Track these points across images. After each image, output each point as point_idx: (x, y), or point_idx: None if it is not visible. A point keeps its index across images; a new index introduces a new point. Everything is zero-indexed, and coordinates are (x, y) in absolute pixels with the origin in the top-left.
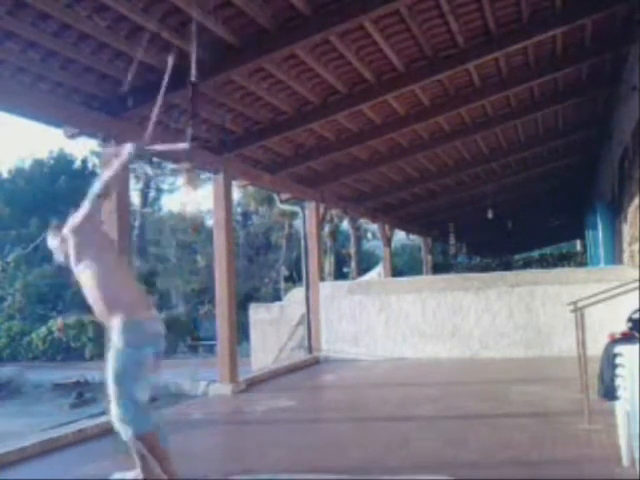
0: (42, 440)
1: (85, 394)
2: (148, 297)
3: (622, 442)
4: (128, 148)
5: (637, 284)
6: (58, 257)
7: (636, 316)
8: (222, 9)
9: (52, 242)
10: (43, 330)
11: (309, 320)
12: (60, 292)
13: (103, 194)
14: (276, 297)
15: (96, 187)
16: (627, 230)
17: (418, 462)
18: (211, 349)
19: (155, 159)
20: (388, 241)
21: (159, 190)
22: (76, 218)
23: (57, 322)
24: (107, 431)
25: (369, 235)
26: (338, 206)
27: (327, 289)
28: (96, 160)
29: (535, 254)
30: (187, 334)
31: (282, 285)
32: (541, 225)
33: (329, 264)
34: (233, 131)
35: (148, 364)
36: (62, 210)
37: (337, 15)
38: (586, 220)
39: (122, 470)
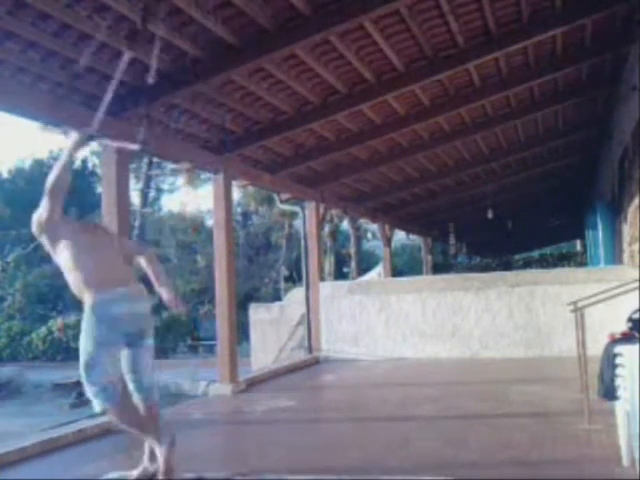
0: (42, 440)
1: (85, 394)
2: (133, 278)
3: (622, 442)
4: (74, 136)
5: (637, 284)
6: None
7: (636, 316)
8: (222, 9)
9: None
10: (43, 330)
11: (309, 320)
12: (60, 292)
13: (57, 185)
14: (276, 297)
15: (49, 180)
16: (627, 230)
17: (418, 462)
18: (211, 349)
19: (155, 159)
20: (388, 241)
21: (159, 190)
22: (38, 215)
23: (57, 322)
24: (107, 431)
25: (369, 235)
26: (338, 206)
27: (327, 289)
28: (96, 160)
29: (535, 254)
30: (187, 334)
31: (282, 285)
32: (541, 225)
33: (329, 264)
34: (233, 131)
35: (118, 342)
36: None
37: (337, 15)
38: (586, 220)
39: (122, 470)
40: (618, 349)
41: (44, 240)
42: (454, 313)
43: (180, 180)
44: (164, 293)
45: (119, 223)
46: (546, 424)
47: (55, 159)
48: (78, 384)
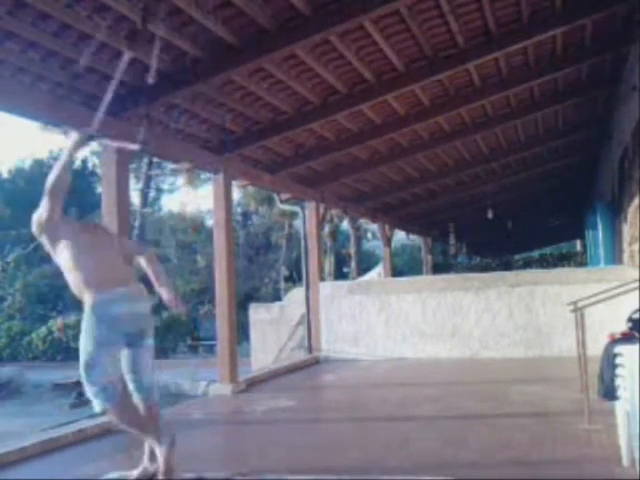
0: (42, 440)
1: (85, 394)
2: (133, 278)
3: (622, 442)
4: (74, 136)
5: (637, 284)
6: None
7: (636, 316)
8: (222, 9)
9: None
10: (43, 330)
11: (309, 320)
12: (60, 292)
13: (57, 185)
14: (276, 297)
15: (50, 180)
16: (627, 230)
17: (418, 462)
18: (211, 349)
19: (155, 159)
20: (388, 241)
21: (159, 190)
22: (38, 215)
23: (57, 322)
24: (107, 431)
25: (369, 235)
26: (338, 206)
27: (327, 289)
28: (96, 160)
29: (535, 254)
30: (187, 334)
31: (282, 285)
32: (541, 225)
33: (329, 264)
34: (233, 131)
35: (118, 342)
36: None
37: (337, 15)
38: (586, 220)
39: (122, 470)
40: (618, 349)
41: (44, 240)
42: (454, 313)
43: (180, 180)
44: (164, 293)
45: (119, 223)
46: (546, 424)
47: (55, 159)
48: (78, 384)
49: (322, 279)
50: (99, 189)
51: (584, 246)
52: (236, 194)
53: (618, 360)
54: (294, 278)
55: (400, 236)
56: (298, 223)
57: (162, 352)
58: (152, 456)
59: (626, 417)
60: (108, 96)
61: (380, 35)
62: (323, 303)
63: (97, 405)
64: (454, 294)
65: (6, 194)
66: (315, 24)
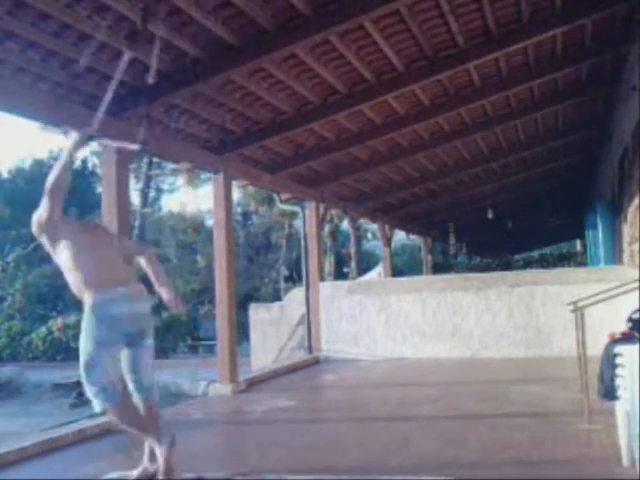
0: (42, 440)
1: (85, 394)
2: (133, 278)
3: (622, 442)
4: (74, 136)
5: (637, 284)
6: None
7: (636, 316)
8: (222, 9)
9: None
10: (43, 330)
11: (309, 320)
12: (60, 292)
13: (57, 185)
14: (276, 297)
15: (50, 180)
16: (627, 230)
17: (418, 462)
18: (211, 349)
19: (155, 159)
20: (388, 241)
21: (159, 190)
22: (38, 215)
23: (57, 322)
24: (107, 431)
25: (369, 235)
26: (338, 206)
27: (327, 289)
28: (96, 160)
29: (535, 254)
30: (187, 334)
31: (282, 285)
32: (541, 225)
33: (329, 264)
34: (233, 131)
35: (118, 342)
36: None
37: (337, 15)
38: (586, 220)
39: (122, 470)
40: (618, 349)
41: (44, 240)
42: (454, 313)
43: (180, 180)
44: (164, 293)
45: (119, 223)
46: (546, 424)
47: (55, 159)
48: (78, 384)
49: (322, 279)
50: (99, 189)
51: (584, 246)
52: (236, 194)
53: (618, 360)
54: (294, 278)
55: (400, 236)
56: (298, 223)
57: (162, 352)
58: (152, 456)
59: (626, 417)
60: (108, 96)
61: (380, 35)
62: (323, 303)
63: (97, 405)
64: (454, 294)
65: (6, 194)
66: (315, 24)
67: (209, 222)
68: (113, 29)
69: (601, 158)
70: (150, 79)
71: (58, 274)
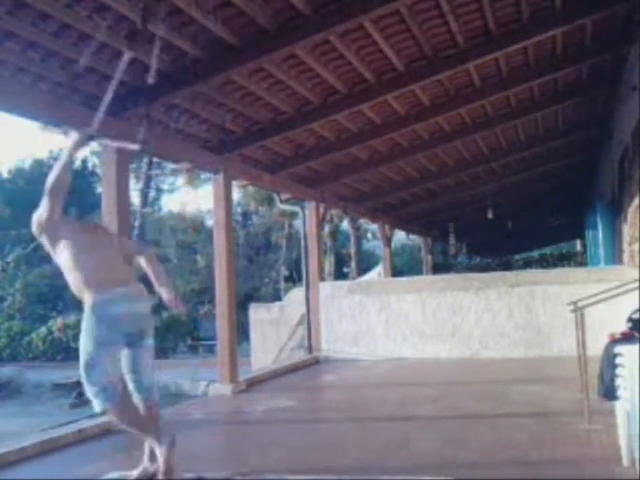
0: (42, 440)
1: (85, 394)
2: (133, 278)
3: (622, 442)
4: (74, 136)
5: (637, 284)
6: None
7: (636, 316)
8: (222, 9)
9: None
10: (43, 330)
11: (309, 320)
12: (60, 292)
13: (57, 185)
14: (276, 297)
15: (50, 180)
16: (627, 230)
17: (418, 462)
18: (211, 349)
19: (155, 159)
20: (388, 241)
21: (159, 190)
22: (38, 215)
23: (57, 322)
24: (107, 431)
25: (369, 235)
26: (338, 206)
27: (327, 289)
28: (96, 160)
29: (535, 254)
30: (187, 334)
31: (282, 285)
32: (541, 225)
33: (329, 264)
34: (233, 131)
35: (118, 342)
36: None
37: (337, 15)
38: (586, 220)
39: (122, 470)
40: (618, 349)
41: (44, 240)
42: (454, 313)
43: (180, 180)
44: (164, 293)
45: (119, 223)
46: (546, 424)
47: (55, 159)
48: (78, 384)
49: (322, 279)
50: (99, 189)
51: (584, 246)
52: (236, 194)
53: (618, 360)
54: (294, 278)
55: (400, 236)
56: (298, 223)
57: (162, 352)
58: (152, 456)
59: (626, 417)
60: (108, 96)
61: (380, 35)
62: (323, 303)
63: (97, 405)
64: (454, 294)
65: (6, 194)
66: (315, 24)
67: (209, 222)
68: (113, 29)
69: (601, 158)
70: (150, 79)
71: (58, 274)
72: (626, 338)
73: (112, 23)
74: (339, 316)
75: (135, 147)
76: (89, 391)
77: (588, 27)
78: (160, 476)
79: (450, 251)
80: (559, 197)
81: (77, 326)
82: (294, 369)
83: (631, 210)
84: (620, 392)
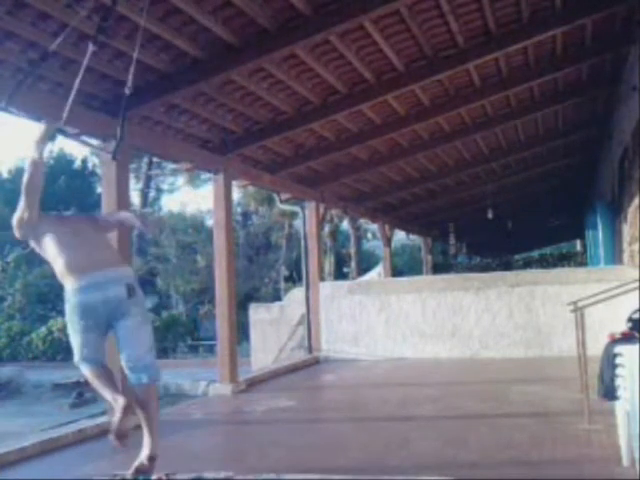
0: (42, 440)
1: (85, 394)
2: (113, 261)
3: (622, 442)
4: (42, 128)
5: (637, 284)
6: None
7: (636, 316)
8: (222, 9)
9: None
10: (43, 330)
11: (309, 320)
12: (60, 292)
13: (31, 183)
14: (276, 297)
15: (24, 180)
16: (627, 230)
17: (418, 462)
18: (211, 349)
19: (155, 159)
20: (388, 241)
21: (159, 190)
22: (18, 219)
23: (57, 322)
24: (107, 431)
25: (369, 235)
26: (338, 206)
27: (327, 289)
28: (96, 160)
29: (535, 254)
30: (187, 334)
31: (282, 285)
32: (541, 225)
33: (329, 264)
34: (233, 131)
35: (99, 327)
36: (62, 210)
37: (337, 15)
38: (586, 220)
39: (122, 470)
40: (618, 349)
41: (32, 243)
42: (454, 313)
43: (180, 180)
44: (137, 224)
45: None
46: (546, 424)
47: (55, 159)
48: (78, 384)
49: (322, 279)
50: (99, 189)
51: (584, 246)
52: (236, 194)
53: (618, 360)
54: (294, 278)
55: (400, 236)
56: (298, 223)
57: (162, 352)
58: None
59: (626, 417)
60: (75, 89)
61: (380, 35)
62: (323, 303)
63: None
64: (454, 294)
65: (6, 194)
66: (315, 24)
67: (209, 222)
68: (113, 29)
69: (601, 158)
70: (127, 90)
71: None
72: (626, 338)
73: (111, 23)
74: (339, 316)
75: (108, 157)
76: (82, 369)
77: (588, 27)
78: (111, 427)
79: (450, 251)
80: (559, 197)
81: None
82: (294, 369)
83: (631, 210)
84: (620, 392)
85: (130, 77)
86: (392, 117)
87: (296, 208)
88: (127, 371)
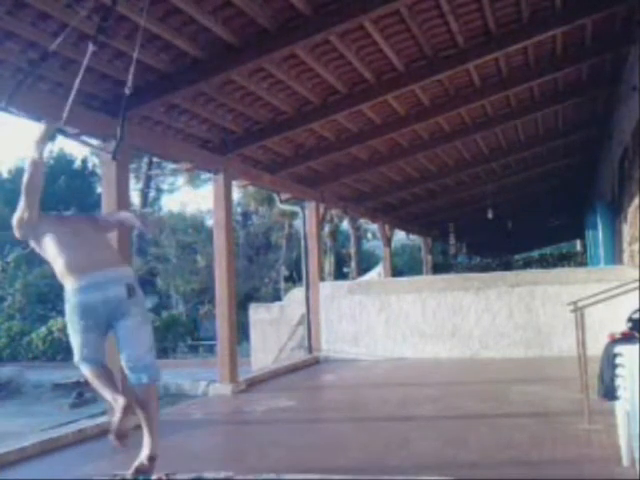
0: (42, 440)
1: (85, 394)
2: (113, 261)
3: (622, 442)
4: (42, 128)
5: (637, 284)
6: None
7: (636, 316)
8: (222, 9)
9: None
10: (43, 330)
11: (309, 320)
12: (60, 292)
13: (30, 183)
14: (276, 297)
15: (24, 180)
16: (627, 230)
17: (418, 462)
18: (211, 349)
19: (155, 159)
20: (388, 241)
21: (159, 190)
22: (18, 219)
23: (57, 322)
24: (107, 431)
25: (369, 235)
26: (338, 206)
27: (327, 289)
28: (96, 160)
29: (535, 254)
30: (187, 334)
31: (282, 285)
32: (541, 225)
33: (329, 264)
34: (233, 131)
35: (99, 327)
36: (62, 210)
37: (337, 15)
38: (586, 220)
39: (122, 470)
40: (618, 349)
41: (32, 243)
42: (454, 313)
43: (180, 180)
44: (137, 224)
45: None
46: (546, 424)
47: (55, 159)
48: (78, 384)
49: (322, 279)
50: (99, 189)
51: (584, 246)
52: (236, 194)
53: (618, 360)
54: (294, 278)
55: (400, 236)
56: (298, 223)
57: (162, 352)
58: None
59: (626, 417)
60: (75, 89)
61: (380, 35)
62: (323, 303)
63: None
64: (454, 294)
65: (6, 194)
66: (315, 24)
67: (209, 222)
68: (113, 29)
69: (601, 158)
70: (127, 90)
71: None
72: (626, 338)
73: (111, 23)
74: (339, 316)
75: (108, 157)
76: (82, 369)
77: (588, 27)
78: (111, 427)
79: (450, 251)
80: (559, 197)
81: None
82: (294, 369)
83: (631, 210)
84: (620, 392)
85: (130, 77)
86: (392, 117)
87: (296, 208)
88: (127, 371)
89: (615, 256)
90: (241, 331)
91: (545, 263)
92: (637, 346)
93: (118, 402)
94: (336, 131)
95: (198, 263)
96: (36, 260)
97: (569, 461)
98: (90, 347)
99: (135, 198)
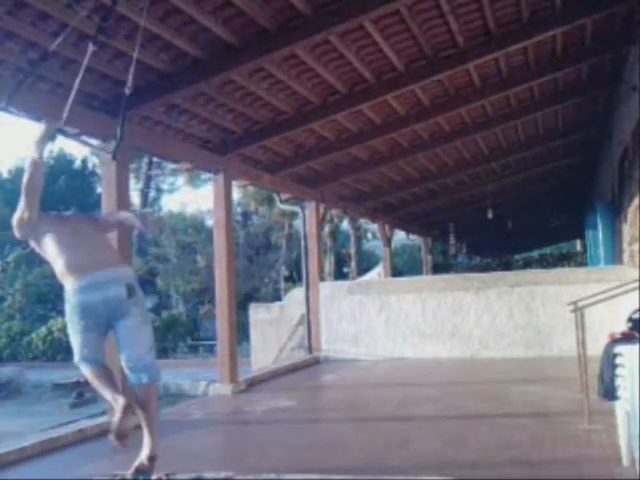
0: (42, 440)
1: (85, 394)
2: (113, 261)
3: (622, 442)
4: (42, 128)
5: (637, 284)
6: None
7: (636, 316)
8: (222, 9)
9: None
10: (43, 330)
11: (309, 320)
12: (60, 292)
13: (31, 183)
14: (276, 297)
15: (24, 180)
16: (627, 230)
17: (418, 462)
18: (211, 349)
19: (155, 159)
20: (388, 241)
21: (159, 190)
22: (18, 219)
23: (57, 322)
24: (107, 431)
25: (369, 235)
26: (338, 206)
27: (327, 289)
28: (96, 160)
29: (535, 254)
30: (187, 334)
31: (282, 285)
32: (541, 225)
33: (329, 264)
34: (233, 131)
35: (99, 328)
36: (62, 210)
37: (337, 15)
38: (586, 220)
39: (122, 470)
40: (618, 349)
41: (32, 243)
42: (454, 313)
43: (180, 180)
44: (137, 224)
45: None
46: (546, 424)
47: (55, 159)
48: (78, 384)
49: (322, 279)
50: (99, 189)
51: (584, 246)
52: (236, 194)
53: (618, 360)
54: (294, 278)
55: (400, 236)
56: (298, 223)
57: (162, 352)
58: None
59: (626, 417)
60: (75, 88)
61: (380, 35)
62: (323, 303)
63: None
64: (454, 294)
65: (6, 194)
66: (315, 24)
67: (209, 222)
68: (113, 29)
69: (601, 158)
70: (127, 90)
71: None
72: (626, 338)
73: (111, 23)
74: (339, 316)
75: (108, 157)
76: (82, 368)
77: (588, 27)
78: (111, 427)
79: (450, 251)
80: (559, 197)
81: None
82: (294, 369)
83: (631, 210)
84: (620, 392)
85: (130, 77)
86: (392, 117)
87: (296, 208)
88: (127, 371)
89: (615, 256)
90: (241, 331)
91: (545, 263)
92: (637, 346)
93: (118, 402)
94: (336, 131)
95: (198, 263)
96: (36, 260)
97: (569, 461)
98: (90, 347)
99: (135, 198)
